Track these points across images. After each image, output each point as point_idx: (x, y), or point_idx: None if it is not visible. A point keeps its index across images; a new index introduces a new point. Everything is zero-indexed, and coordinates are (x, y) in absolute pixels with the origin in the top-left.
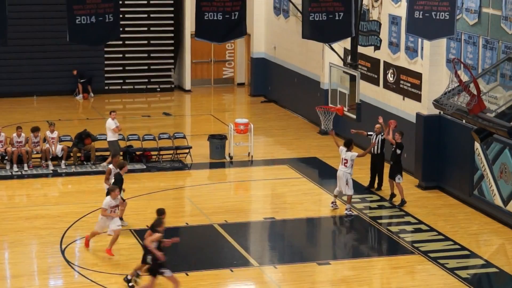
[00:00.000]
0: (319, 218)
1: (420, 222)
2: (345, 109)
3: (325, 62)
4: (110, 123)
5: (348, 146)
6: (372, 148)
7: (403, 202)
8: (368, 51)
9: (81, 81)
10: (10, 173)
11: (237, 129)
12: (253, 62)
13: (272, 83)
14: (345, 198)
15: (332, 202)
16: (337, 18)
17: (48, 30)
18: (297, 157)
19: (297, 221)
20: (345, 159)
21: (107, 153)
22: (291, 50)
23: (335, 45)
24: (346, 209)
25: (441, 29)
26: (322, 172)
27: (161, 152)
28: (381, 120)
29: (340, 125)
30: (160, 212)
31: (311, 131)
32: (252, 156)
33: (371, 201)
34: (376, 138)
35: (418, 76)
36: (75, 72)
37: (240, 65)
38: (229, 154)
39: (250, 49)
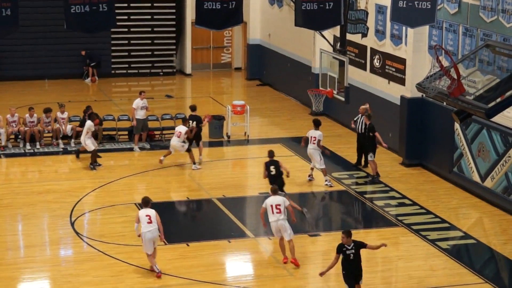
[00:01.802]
0: (310, 193)
1: (404, 197)
2: (335, 92)
3: (316, 48)
4: (136, 103)
5: (318, 125)
6: (357, 127)
7: (376, 176)
8: (356, 38)
9: (91, 64)
10: (23, 151)
11: (234, 111)
12: (249, 48)
13: (267, 68)
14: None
15: (310, 175)
16: (327, 7)
17: (59, 18)
18: (290, 137)
19: (290, 196)
20: (313, 137)
21: (113, 132)
22: (284, 37)
23: (325, 33)
24: (326, 181)
25: (423, 18)
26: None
27: (164, 132)
28: (367, 105)
29: (330, 107)
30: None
31: (303, 112)
32: (248, 136)
33: (358, 177)
34: (361, 118)
35: (402, 61)
36: (83, 53)
37: (237, 51)
38: (227, 133)
39: (246, 36)
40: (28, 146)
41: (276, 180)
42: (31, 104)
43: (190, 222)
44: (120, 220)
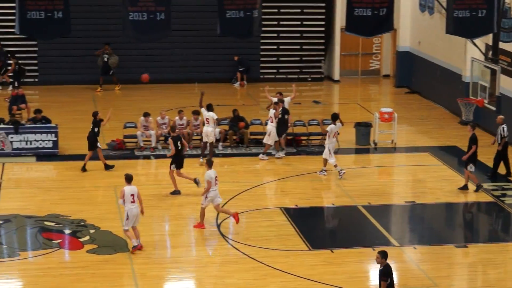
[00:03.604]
0: (457, 203)
1: None
2: (485, 101)
3: (467, 57)
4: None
5: (334, 119)
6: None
7: (480, 185)
8: (509, 46)
9: (240, 69)
10: None
11: (382, 118)
12: (398, 55)
13: (416, 75)
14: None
15: (340, 171)
16: (479, 15)
17: (210, 23)
18: (438, 146)
19: (437, 205)
20: (335, 132)
21: (261, 137)
22: (434, 44)
23: (477, 41)
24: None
25: None
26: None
27: (310, 137)
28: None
29: (480, 116)
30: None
31: (452, 121)
32: (395, 143)
33: (508, 189)
34: (498, 129)
35: None
36: (236, 58)
37: (386, 58)
38: (374, 140)
39: (396, 43)
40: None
41: (181, 154)
42: (180, 107)
43: (334, 228)
44: (265, 224)
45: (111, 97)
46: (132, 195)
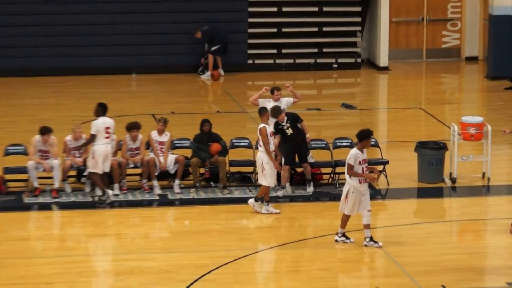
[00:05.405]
0: None
1: None
2: None
3: None
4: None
5: (360, 139)
6: None
7: None
8: None
9: (213, 49)
10: (91, 199)
11: (465, 134)
12: (492, 24)
13: None
14: None
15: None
16: None
17: None
18: None
19: None
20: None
21: (248, 168)
22: None
23: None
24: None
25: None
26: None
27: (338, 170)
28: None
29: None
30: None
31: None
32: (488, 179)
33: None
34: None
35: None
36: (198, 35)
37: (471, 29)
38: (450, 174)
39: (487, 2)
40: (98, 192)
41: None
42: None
43: None
44: None
45: None
46: None
